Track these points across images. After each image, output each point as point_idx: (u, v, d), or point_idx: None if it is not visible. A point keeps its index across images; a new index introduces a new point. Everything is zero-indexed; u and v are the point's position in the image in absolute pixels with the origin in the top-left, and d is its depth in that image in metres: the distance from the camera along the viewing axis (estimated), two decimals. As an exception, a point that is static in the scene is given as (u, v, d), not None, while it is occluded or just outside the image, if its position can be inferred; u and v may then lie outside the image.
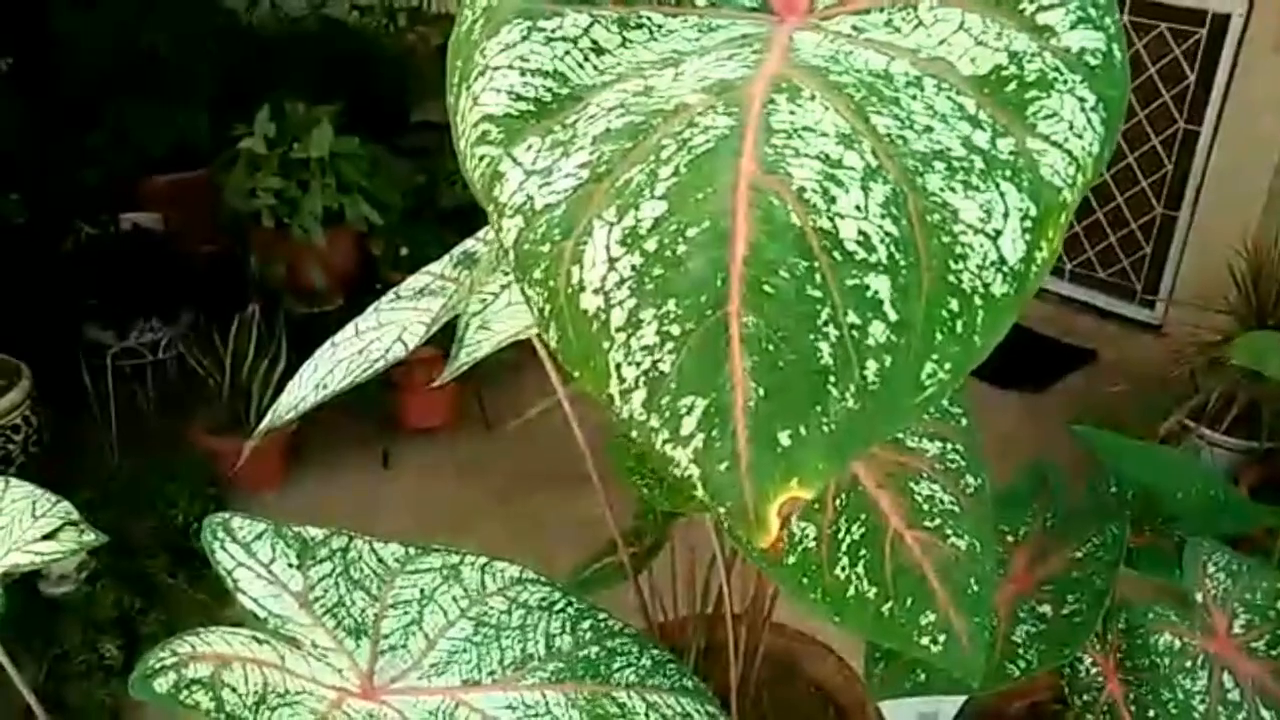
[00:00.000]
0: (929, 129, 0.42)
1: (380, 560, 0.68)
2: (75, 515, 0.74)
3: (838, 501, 0.68)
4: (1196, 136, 3.43)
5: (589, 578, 1.04)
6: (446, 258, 0.82)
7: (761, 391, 0.39)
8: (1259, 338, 1.03)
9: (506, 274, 0.73)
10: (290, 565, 0.65)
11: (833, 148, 0.41)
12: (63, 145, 2.95)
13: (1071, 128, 0.41)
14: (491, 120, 0.45)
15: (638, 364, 0.40)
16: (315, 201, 2.90)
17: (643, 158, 0.42)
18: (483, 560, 0.70)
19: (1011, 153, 0.41)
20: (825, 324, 0.39)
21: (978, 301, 0.39)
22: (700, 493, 0.39)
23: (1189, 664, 0.78)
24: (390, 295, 0.81)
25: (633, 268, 0.41)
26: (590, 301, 0.41)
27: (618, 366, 0.41)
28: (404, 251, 2.96)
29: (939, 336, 0.39)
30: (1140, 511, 0.88)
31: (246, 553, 0.64)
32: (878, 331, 0.39)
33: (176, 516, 2.58)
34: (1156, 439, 2.40)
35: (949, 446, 0.72)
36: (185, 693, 0.54)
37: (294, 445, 2.88)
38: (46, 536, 0.72)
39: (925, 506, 0.69)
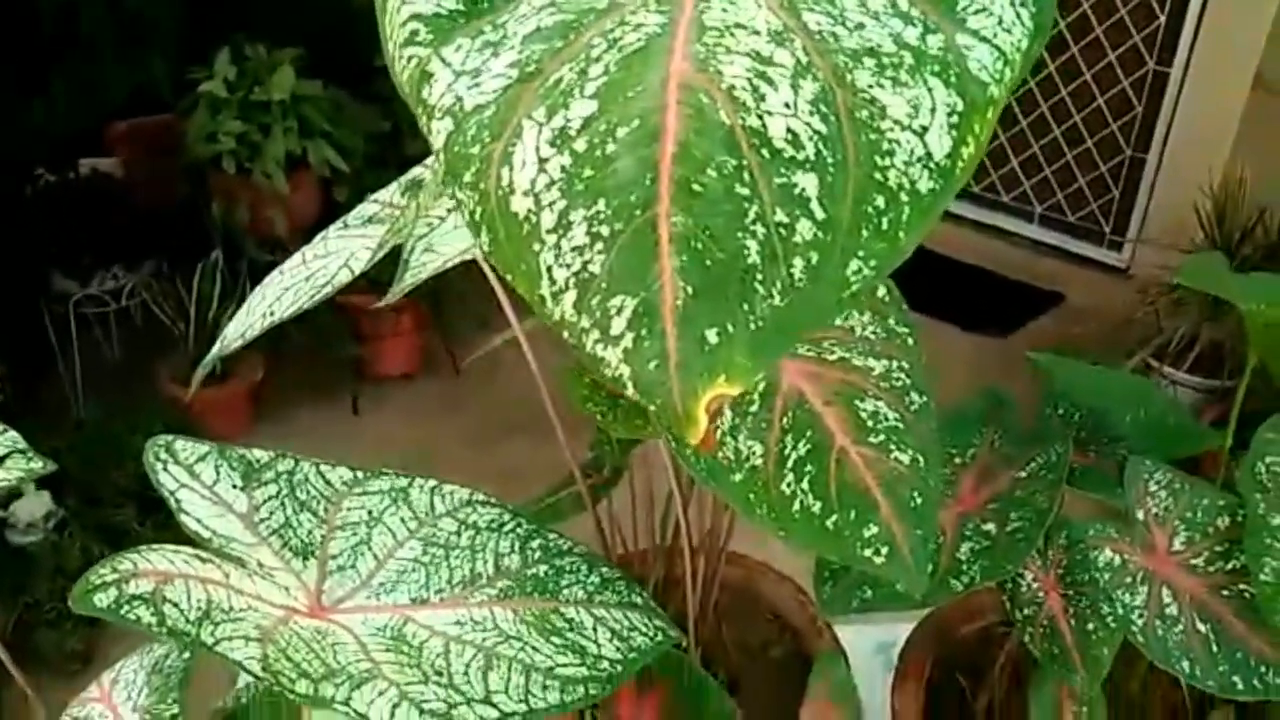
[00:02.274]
0: (860, 25, 0.42)
1: (327, 483, 0.68)
2: (22, 444, 0.73)
3: (785, 420, 0.69)
4: (1166, 78, 3.44)
5: (546, 508, 1.05)
6: (395, 184, 0.81)
7: (690, 290, 0.39)
8: (1203, 259, 1.04)
9: (451, 198, 0.72)
10: (235, 487, 0.65)
11: (764, 45, 0.41)
12: (20, 89, 2.88)
13: (1000, 23, 0.41)
14: (420, 19, 0.45)
15: (568, 265, 0.40)
16: (277, 146, 2.85)
17: (573, 57, 0.42)
18: (432, 483, 0.71)
19: (940, 48, 0.41)
20: (753, 222, 0.39)
21: (904, 198, 0.39)
22: (630, 391, 0.40)
23: (1129, 579, 0.80)
24: (338, 224, 0.81)
25: (562, 168, 0.41)
26: (520, 204, 0.41)
27: (548, 268, 0.41)
28: (368, 197, 2.93)
29: (865, 233, 0.39)
30: (1088, 433, 0.90)
31: (189, 474, 0.64)
32: (805, 229, 0.39)
33: (142, 465, 2.57)
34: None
35: (894, 364, 0.73)
36: (126, 607, 0.54)
37: (261, 393, 2.87)
38: (-7, 466, 0.72)
39: (870, 423, 0.70)
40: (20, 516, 2.45)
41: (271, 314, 0.75)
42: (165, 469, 0.64)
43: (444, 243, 0.69)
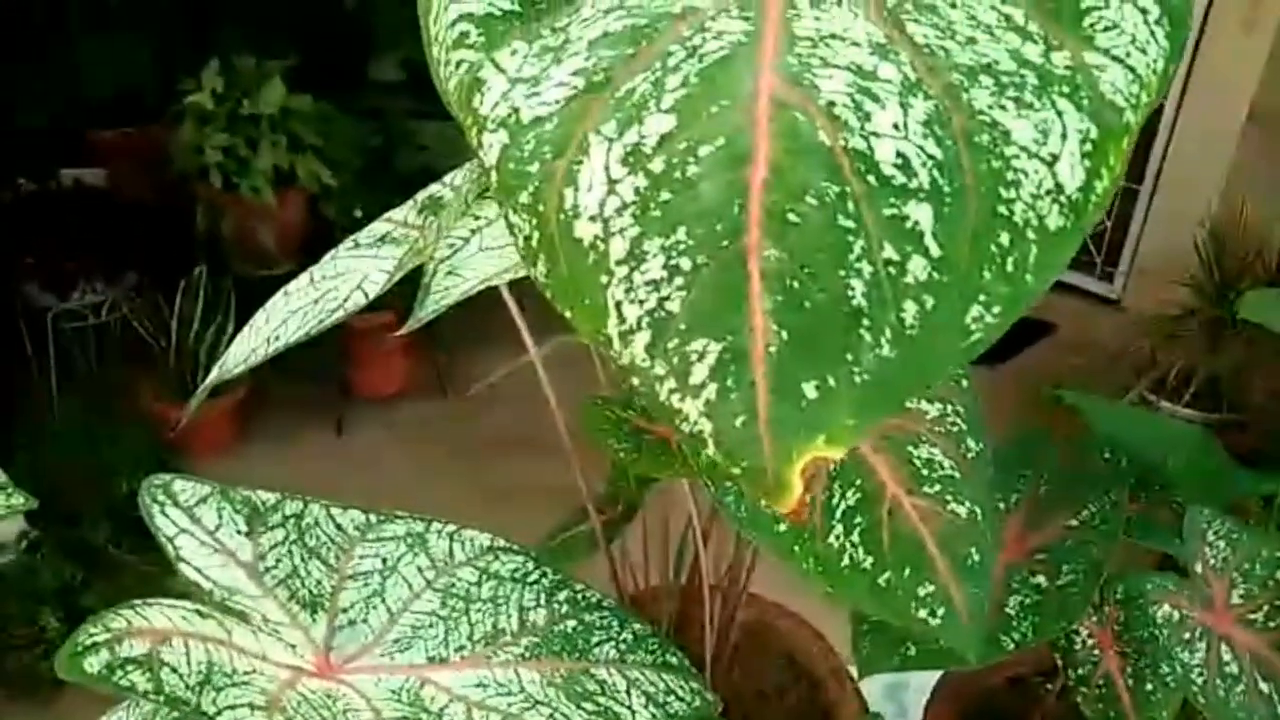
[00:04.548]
0: (972, 40, 0.37)
1: (339, 527, 0.62)
2: (2, 477, 0.67)
3: (831, 466, 0.64)
4: (1160, 110, 3.43)
5: (558, 547, 0.99)
6: (410, 203, 0.76)
7: (784, 335, 0.34)
8: (1263, 296, 1.02)
9: (476, 219, 0.67)
10: (239, 532, 0.59)
11: (865, 58, 0.36)
12: (0, 92, 2.81)
13: (1134, 41, 0.37)
14: (471, 20, 0.40)
15: (641, 302, 0.35)
16: (265, 160, 2.80)
17: (647, 65, 0.37)
18: (451, 528, 0.65)
19: (1068, 67, 0.36)
20: (858, 259, 0.34)
21: (1030, 235, 0.35)
22: (711, 451, 0.34)
23: (1187, 636, 0.75)
24: (349, 243, 0.75)
25: (636, 191, 0.36)
26: (586, 230, 0.36)
27: (618, 304, 0.36)
28: (358, 214, 2.87)
29: (986, 275, 0.34)
30: (1137, 479, 0.85)
31: (189, 518, 0.58)
32: (918, 268, 0.34)
33: (120, 485, 2.49)
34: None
35: (949, 408, 0.68)
36: (120, 673, 0.49)
37: (244, 412, 2.80)
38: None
39: (925, 471, 0.65)
40: (-8, 538, 2.37)
41: (277, 338, 0.69)
42: (163, 512, 0.58)
43: (468, 266, 0.64)
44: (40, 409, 2.75)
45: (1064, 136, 0.35)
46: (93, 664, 0.48)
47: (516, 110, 0.38)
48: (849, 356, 0.34)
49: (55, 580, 2.37)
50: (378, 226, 0.77)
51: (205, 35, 2.97)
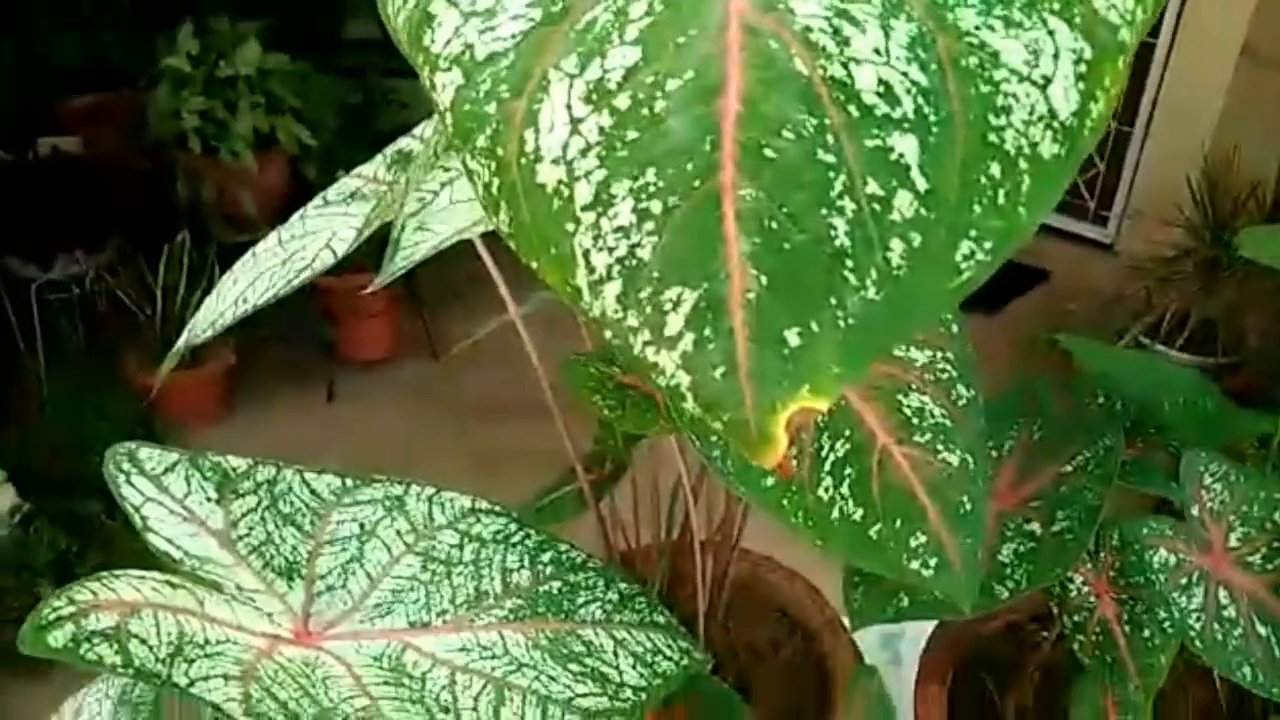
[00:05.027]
0: (957, -43, 0.34)
1: (314, 492, 0.61)
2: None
3: (819, 416, 0.62)
4: (1151, 50, 3.39)
5: (546, 506, 0.98)
6: (379, 158, 0.74)
7: (764, 280, 0.32)
8: (1262, 232, 1.00)
9: (446, 171, 0.64)
10: (209, 499, 0.57)
11: (843, -21, 0.34)
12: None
13: (1129, -47, 0.34)
14: (420, -50, 0.37)
15: (610, 249, 0.33)
16: (244, 122, 2.75)
17: (610, -7, 0.35)
18: (430, 490, 0.63)
19: (1059, -17, 0.34)
20: (840, 196, 0.32)
21: (1023, 165, 0.32)
22: (690, 405, 0.32)
23: (1184, 580, 0.74)
24: (318, 200, 0.73)
25: (601, 130, 0.33)
26: (549, 173, 0.34)
27: (585, 253, 0.33)
28: (341, 175, 2.83)
29: (977, 208, 0.32)
30: (1133, 423, 0.84)
31: (157, 487, 0.56)
32: (904, 204, 0.32)
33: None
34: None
35: (939, 355, 0.66)
36: (86, 646, 0.47)
37: (232, 379, 2.78)
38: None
39: (915, 420, 0.63)
40: (-16, 511, 2.35)
41: (245, 301, 0.67)
42: (129, 481, 0.56)
43: (439, 220, 0.61)
44: (27, 381, 2.73)
45: (1056, 57, 0.33)
46: (57, 638, 0.46)
47: (470, 46, 0.35)
48: (832, 300, 0.32)
49: (50, 552, 2.36)
50: (347, 183, 0.75)
51: (176, -4, 2.90)
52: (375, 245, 0.66)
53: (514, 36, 0.35)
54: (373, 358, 2.95)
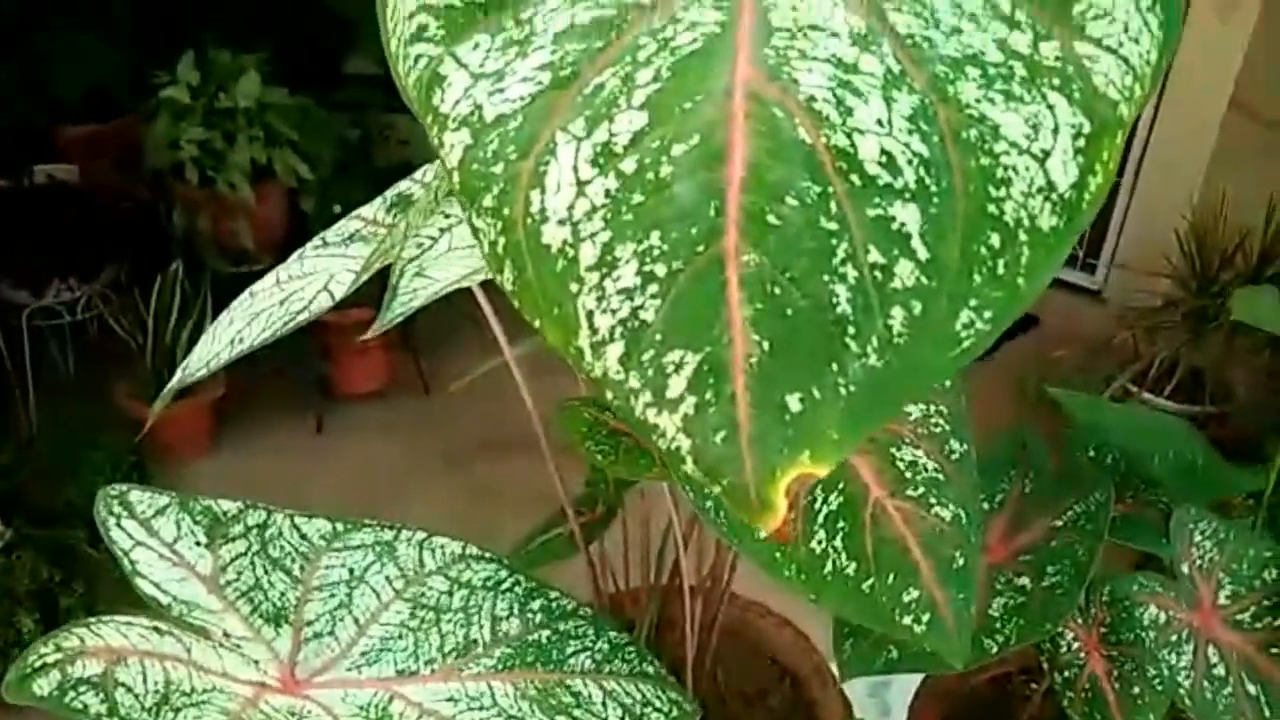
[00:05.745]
0: (957, 30, 0.35)
1: (303, 537, 0.60)
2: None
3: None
4: (1141, 101, 3.43)
5: (536, 549, 0.98)
6: (379, 200, 0.74)
7: (765, 345, 0.32)
8: (1253, 293, 1.01)
9: (446, 217, 0.65)
10: (198, 544, 0.57)
11: (846, 50, 0.34)
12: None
13: (1126, 30, 0.35)
14: (429, 11, 0.37)
15: (614, 311, 0.33)
16: (242, 154, 2.75)
17: (616, 59, 0.35)
18: (420, 535, 0.63)
19: (1058, 58, 0.34)
20: (842, 263, 0.32)
21: (1022, 236, 0.33)
22: (690, 468, 0.33)
23: (1174, 637, 0.74)
24: (316, 241, 0.73)
25: (607, 193, 0.34)
26: (554, 234, 0.34)
27: (589, 314, 0.34)
28: (337, 209, 2.83)
29: (977, 278, 0.33)
30: (1122, 477, 0.84)
31: (146, 531, 0.56)
32: (905, 272, 0.32)
33: (97, 485, 2.45)
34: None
35: (932, 409, 0.66)
36: (72, 694, 0.46)
37: (222, 411, 2.76)
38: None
39: (908, 474, 0.63)
40: (-35, 539, 2.33)
41: (241, 340, 0.67)
42: (119, 524, 0.56)
43: (437, 267, 0.62)
44: (15, 408, 2.71)
45: (1055, 131, 0.33)
46: (42, 686, 0.46)
47: (479, 108, 0.36)
48: (834, 366, 0.32)
49: (32, 582, 2.33)
50: (347, 224, 0.75)
51: (177, 28, 2.92)
52: (373, 281, 0.67)
53: (522, 99, 0.35)
54: (365, 391, 2.95)
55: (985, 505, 0.82)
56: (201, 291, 2.64)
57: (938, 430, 0.66)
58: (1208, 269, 2.75)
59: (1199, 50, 3.24)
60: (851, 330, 0.32)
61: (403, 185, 0.74)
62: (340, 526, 0.62)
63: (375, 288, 0.69)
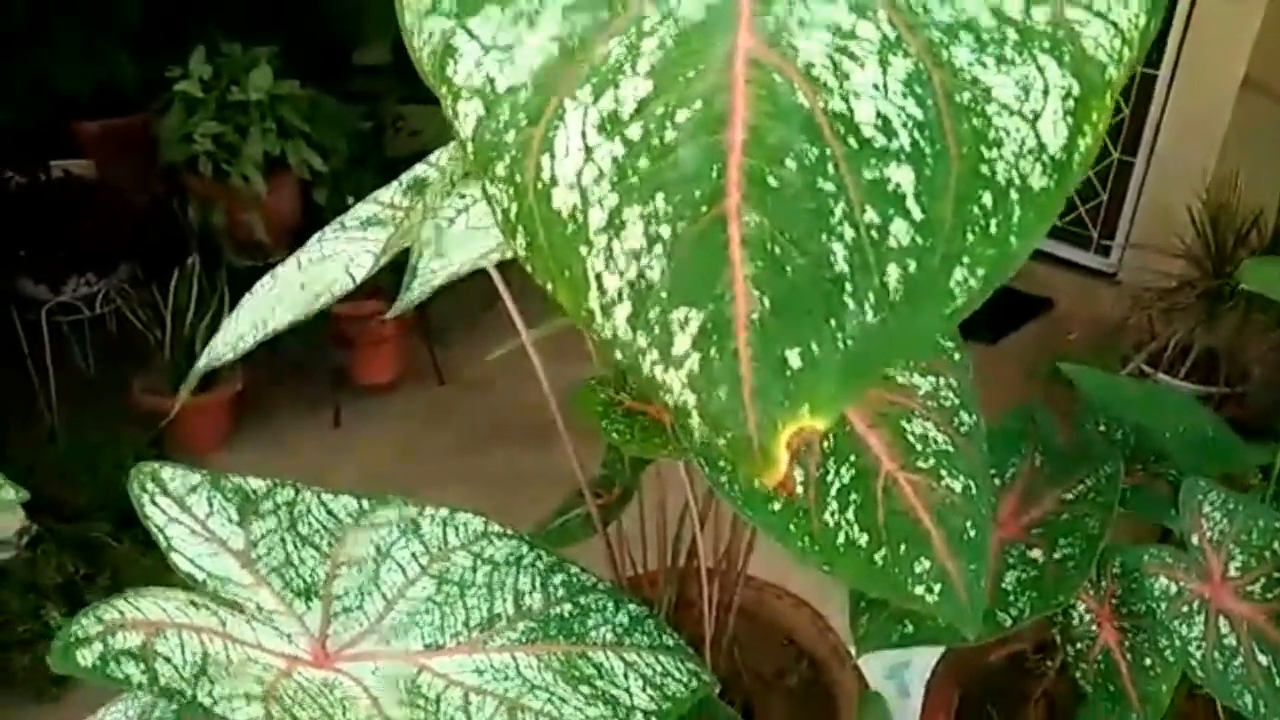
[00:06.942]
0: (952, -3, 0.36)
1: (331, 514, 0.62)
2: (-9, 472, 0.67)
3: (825, 442, 0.63)
4: (1154, 80, 3.41)
5: (555, 531, 0.99)
6: (395, 184, 0.75)
7: (766, 303, 0.33)
8: (1264, 263, 1.00)
9: (462, 198, 0.66)
10: (230, 521, 0.59)
11: (843, 16, 0.35)
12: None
13: (1117, -5, 0.36)
14: (442, -14, 0.39)
15: (621, 272, 0.35)
16: (255, 147, 2.77)
17: (622, 29, 0.36)
18: (444, 513, 0.65)
19: (1049, 23, 0.35)
20: (840, 223, 0.34)
21: (1014, 196, 0.34)
22: (695, 423, 0.34)
23: (1185, 609, 0.74)
24: (335, 225, 0.74)
25: (613, 158, 0.35)
26: (564, 199, 0.35)
27: (598, 275, 0.35)
28: (350, 200, 2.85)
29: (970, 237, 0.34)
30: (1132, 451, 0.85)
31: (180, 507, 0.57)
32: (900, 231, 0.34)
33: (119, 478, 2.48)
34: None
35: (942, 382, 0.67)
36: (114, 665, 0.48)
37: (240, 404, 2.79)
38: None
39: (918, 446, 0.64)
40: (-8, 534, 2.36)
41: (264, 323, 0.69)
42: (153, 501, 0.57)
43: (455, 247, 0.63)
44: (37, 403, 2.74)
45: (1046, 93, 0.34)
46: (86, 656, 0.47)
47: (491, 79, 0.37)
48: (832, 323, 0.33)
49: (58, 575, 2.36)
50: (364, 209, 0.77)
51: (187, 22, 2.94)
52: (386, 271, 0.68)
53: (532, 69, 0.37)
54: (380, 382, 2.97)
55: (997, 481, 0.83)
56: (218, 285, 2.67)
57: (947, 404, 0.67)
58: (1222, 248, 2.74)
59: (1212, 29, 3.21)
60: (849, 288, 0.33)
61: (418, 169, 0.76)
62: (366, 504, 0.64)
63: (388, 280, 0.70)
